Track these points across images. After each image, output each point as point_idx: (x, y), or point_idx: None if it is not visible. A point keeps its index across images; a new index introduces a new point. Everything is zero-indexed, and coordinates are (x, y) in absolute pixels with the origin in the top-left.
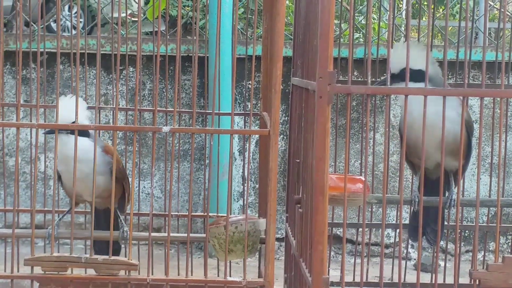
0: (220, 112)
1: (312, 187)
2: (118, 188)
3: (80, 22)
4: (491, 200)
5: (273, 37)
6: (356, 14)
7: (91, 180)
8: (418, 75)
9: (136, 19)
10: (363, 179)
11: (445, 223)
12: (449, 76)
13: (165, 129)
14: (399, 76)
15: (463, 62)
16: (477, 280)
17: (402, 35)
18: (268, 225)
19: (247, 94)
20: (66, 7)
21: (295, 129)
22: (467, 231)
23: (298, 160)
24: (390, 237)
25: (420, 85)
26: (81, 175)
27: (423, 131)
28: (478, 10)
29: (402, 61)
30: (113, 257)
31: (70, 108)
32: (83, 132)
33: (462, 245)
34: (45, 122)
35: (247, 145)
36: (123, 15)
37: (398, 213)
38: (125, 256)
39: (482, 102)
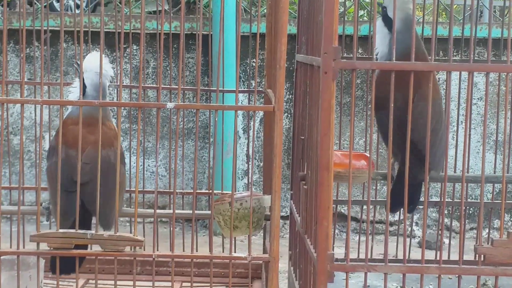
0: (225, 89)
1: (317, 163)
2: None
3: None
4: (496, 176)
5: (277, 12)
6: None
7: None
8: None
9: None
10: (368, 155)
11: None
12: (455, 53)
13: (170, 105)
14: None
15: (469, 39)
16: (482, 256)
17: None
18: (273, 202)
19: (251, 72)
20: None
21: (300, 106)
22: (471, 209)
23: (302, 137)
24: (394, 215)
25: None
26: None
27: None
28: None
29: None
30: (118, 233)
31: (95, 61)
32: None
33: (466, 222)
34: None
35: (251, 123)
36: None
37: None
38: (130, 233)
39: (488, 78)
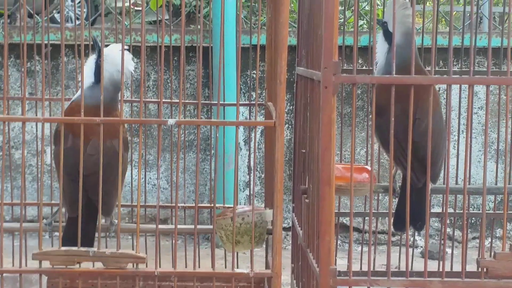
0: (226, 102)
1: (319, 177)
2: None
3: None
4: (498, 187)
5: (277, 27)
6: (360, 0)
7: None
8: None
9: (139, 8)
10: (369, 168)
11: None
12: (455, 62)
13: (171, 121)
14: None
15: (468, 49)
16: (485, 269)
17: None
18: (275, 217)
19: (251, 84)
20: None
21: (301, 119)
22: (473, 218)
23: (304, 150)
24: None
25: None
26: None
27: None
28: None
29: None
30: (120, 251)
31: (118, 55)
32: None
33: (469, 231)
34: (50, 115)
35: (253, 134)
36: (127, 4)
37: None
38: (133, 249)
39: (488, 89)
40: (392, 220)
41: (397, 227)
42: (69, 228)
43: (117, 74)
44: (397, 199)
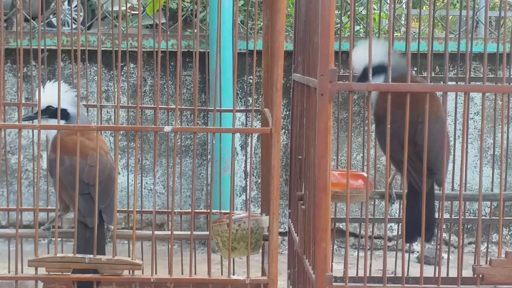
0: (222, 109)
1: (315, 184)
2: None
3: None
4: (494, 194)
5: (274, 34)
6: (356, 5)
7: None
8: (380, 69)
9: (136, 12)
10: (365, 175)
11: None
12: (450, 68)
13: (167, 128)
14: (363, 75)
15: (464, 54)
16: (481, 275)
17: (403, 26)
18: (271, 224)
19: (248, 89)
20: (66, 2)
21: (297, 125)
22: (469, 223)
23: (300, 157)
24: (392, 230)
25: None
26: None
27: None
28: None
29: (363, 60)
30: (116, 257)
31: (50, 92)
32: (64, 115)
33: (465, 236)
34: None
35: (249, 139)
36: (123, 8)
37: (401, 206)
38: (129, 256)
39: (484, 96)
40: (401, 231)
41: (408, 238)
42: (82, 238)
43: (72, 109)
44: (393, 205)
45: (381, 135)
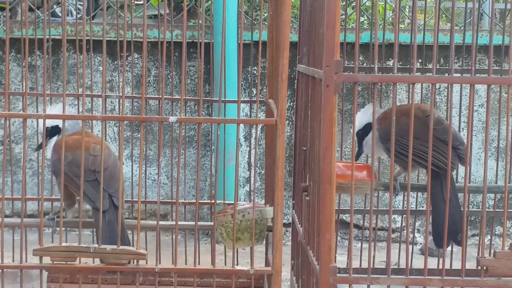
0: (226, 99)
1: (319, 175)
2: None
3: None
4: (498, 186)
5: (279, 26)
6: None
7: None
8: (368, 128)
9: (141, 2)
10: (370, 166)
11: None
12: (455, 60)
13: (172, 119)
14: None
15: (469, 46)
16: (485, 267)
17: (407, 17)
18: (276, 215)
19: (252, 80)
20: None
21: (301, 116)
22: (473, 216)
23: (304, 148)
24: (396, 221)
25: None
26: None
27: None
28: None
29: (363, 120)
30: (121, 247)
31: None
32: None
33: (468, 229)
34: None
35: (253, 130)
36: None
37: (405, 197)
38: (133, 245)
39: (489, 88)
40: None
41: (437, 243)
42: (102, 223)
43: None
44: (396, 197)
45: (401, 153)
